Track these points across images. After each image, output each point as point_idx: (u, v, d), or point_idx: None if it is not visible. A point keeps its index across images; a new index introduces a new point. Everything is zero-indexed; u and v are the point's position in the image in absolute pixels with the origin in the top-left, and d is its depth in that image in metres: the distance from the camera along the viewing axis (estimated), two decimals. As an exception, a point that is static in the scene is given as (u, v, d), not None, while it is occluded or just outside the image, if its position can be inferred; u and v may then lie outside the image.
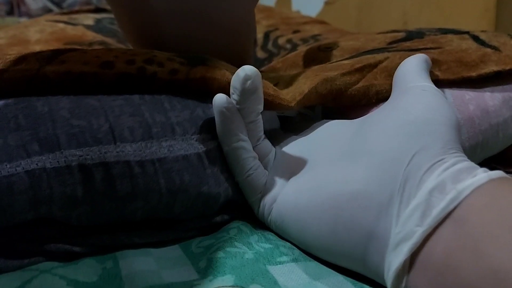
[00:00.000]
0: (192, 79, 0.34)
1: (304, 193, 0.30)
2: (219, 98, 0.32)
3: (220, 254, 0.29)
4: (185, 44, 0.42)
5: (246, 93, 0.32)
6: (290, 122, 0.40)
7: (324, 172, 0.30)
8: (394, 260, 0.24)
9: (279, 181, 0.33)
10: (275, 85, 0.38)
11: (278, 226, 0.32)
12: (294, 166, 0.33)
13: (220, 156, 0.33)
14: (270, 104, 0.35)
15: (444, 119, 0.28)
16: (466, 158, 0.27)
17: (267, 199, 0.32)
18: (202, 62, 0.35)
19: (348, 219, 0.27)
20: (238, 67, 0.32)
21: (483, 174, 0.24)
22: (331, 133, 0.33)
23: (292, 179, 0.32)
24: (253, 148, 0.34)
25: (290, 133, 0.37)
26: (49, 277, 0.27)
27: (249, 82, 0.31)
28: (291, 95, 0.36)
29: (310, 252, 0.30)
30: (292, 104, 0.35)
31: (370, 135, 0.29)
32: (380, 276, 0.26)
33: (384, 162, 0.27)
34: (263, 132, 0.35)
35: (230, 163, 0.34)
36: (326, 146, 0.32)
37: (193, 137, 0.33)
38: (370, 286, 0.27)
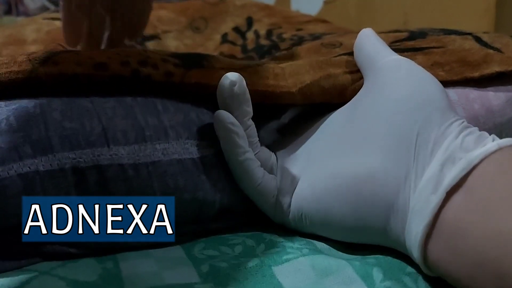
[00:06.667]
0: (187, 83, 0.34)
1: (319, 183, 0.31)
2: (223, 114, 0.32)
3: (224, 264, 0.29)
4: None
5: (237, 98, 0.32)
6: (286, 128, 0.39)
7: (335, 160, 0.31)
8: (414, 230, 0.26)
9: (290, 181, 0.33)
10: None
11: (297, 221, 0.32)
12: (301, 163, 0.33)
13: (216, 164, 0.33)
14: (271, 95, 0.34)
15: (431, 86, 0.30)
16: (465, 121, 0.28)
17: (283, 199, 0.33)
18: (198, 63, 0.35)
19: (368, 195, 0.28)
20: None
21: (492, 143, 0.25)
22: (326, 125, 0.34)
23: (303, 175, 0.32)
24: (255, 156, 0.33)
25: (287, 136, 0.37)
26: (48, 278, 0.26)
27: (235, 86, 0.31)
28: (292, 81, 0.35)
29: (332, 238, 0.31)
30: (294, 90, 0.34)
31: (370, 119, 0.30)
32: (402, 246, 0.28)
33: (393, 141, 0.28)
34: (258, 138, 0.34)
35: (239, 176, 0.33)
36: (325, 138, 0.33)
37: (187, 141, 0.32)
38: (381, 279, 0.27)
